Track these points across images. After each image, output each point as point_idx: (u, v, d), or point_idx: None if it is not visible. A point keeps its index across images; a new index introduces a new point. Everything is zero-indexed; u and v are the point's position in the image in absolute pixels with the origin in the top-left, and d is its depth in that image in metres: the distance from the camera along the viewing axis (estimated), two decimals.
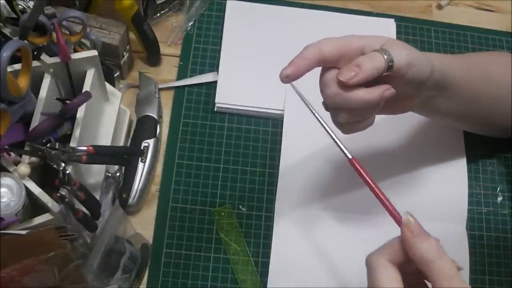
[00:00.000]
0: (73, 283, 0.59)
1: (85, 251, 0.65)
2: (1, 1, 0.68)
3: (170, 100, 0.83)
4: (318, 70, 0.58)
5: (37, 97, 0.64)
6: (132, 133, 0.80)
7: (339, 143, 0.55)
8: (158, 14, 0.89)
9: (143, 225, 0.74)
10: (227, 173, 0.78)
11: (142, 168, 0.76)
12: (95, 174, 0.73)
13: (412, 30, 0.92)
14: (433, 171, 0.80)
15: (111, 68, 0.80)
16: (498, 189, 0.81)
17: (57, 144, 0.62)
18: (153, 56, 0.86)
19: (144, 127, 0.79)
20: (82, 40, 0.71)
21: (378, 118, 0.85)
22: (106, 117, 0.76)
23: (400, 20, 0.92)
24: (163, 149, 0.80)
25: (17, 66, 0.62)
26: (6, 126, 0.57)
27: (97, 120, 0.74)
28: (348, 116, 0.57)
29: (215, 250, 0.74)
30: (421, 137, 0.82)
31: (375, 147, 0.79)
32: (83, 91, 0.66)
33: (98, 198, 0.69)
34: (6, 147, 0.60)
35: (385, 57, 0.54)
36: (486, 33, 0.93)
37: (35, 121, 0.63)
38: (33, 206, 0.62)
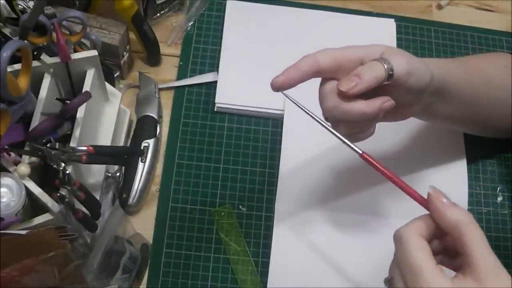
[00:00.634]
0: (73, 283, 0.59)
1: (85, 251, 0.65)
2: (1, 1, 0.68)
3: (170, 100, 0.83)
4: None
5: (37, 97, 0.64)
6: (132, 133, 0.80)
7: (346, 140, 0.55)
8: (158, 14, 0.89)
9: (143, 225, 0.74)
10: (227, 173, 0.78)
11: (142, 168, 0.76)
12: (95, 174, 0.73)
13: (412, 30, 0.92)
14: (433, 171, 0.80)
15: (111, 68, 0.80)
16: (498, 189, 0.81)
17: (57, 144, 0.62)
18: (153, 56, 0.86)
19: (144, 127, 0.79)
20: (82, 40, 0.71)
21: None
22: (106, 117, 0.76)
23: (400, 20, 0.92)
24: (163, 149, 0.80)
25: (17, 66, 0.62)
26: (6, 126, 0.57)
27: (97, 120, 0.74)
28: (348, 128, 0.57)
29: (215, 250, 0.74)
30: (421, 138, 0.82)
31: (375, 147, 0.79)
32: (83, 91, 0.66)
33: (98, 198, 0.69)
34: (6, 147, 0.60)
35: (385, 66, 0.54)
36: (486, 33, 0.93)
37: (35, 121, 0.63)
38: (33, 206, 0.62)
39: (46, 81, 0.66)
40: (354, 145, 0.54)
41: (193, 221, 0.75)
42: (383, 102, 0.55)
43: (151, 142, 0.78)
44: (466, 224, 0.47)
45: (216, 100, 0.82)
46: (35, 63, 0.64)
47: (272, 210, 0.76)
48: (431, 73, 0.59)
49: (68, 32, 0.68)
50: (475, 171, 0.81)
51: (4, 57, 0.54)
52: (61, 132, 0.66)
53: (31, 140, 0.62)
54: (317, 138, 0.80)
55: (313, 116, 0.55)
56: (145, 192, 0.76)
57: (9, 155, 0.61)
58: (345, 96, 0.54)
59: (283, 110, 0.82)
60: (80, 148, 0.63)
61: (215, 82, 0.84)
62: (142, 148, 0.78)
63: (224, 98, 0.82)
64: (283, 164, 0.78)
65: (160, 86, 0.84)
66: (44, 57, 0.66)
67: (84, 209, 0.64)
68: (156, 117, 0.80)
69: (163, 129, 0.81)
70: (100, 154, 0.66)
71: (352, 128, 0.57)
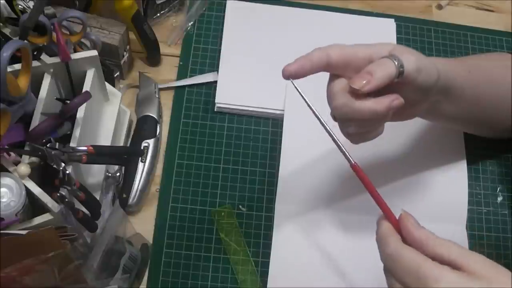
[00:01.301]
0: (73, 283, 0.59)
1: (85, 251, 0.65)
2: (1, 1, 0.68)
3: (170, 100, 0.83)
4: (323, 77, 0.58)
5: (37, 97, 0.64)
6: (132, 133, 0.80)
7: (342, 148, 0.54)
8: (158, 14, 0.89)
9: (143, 225, 0.74)
10: (227, 173, 0.78)
11: (142, 168, 0.76)
12: (95, 174, 0.73)
13: (412, 30, 0.92)
14: (434, 171, 0.80)
15: (111, 68, 0.80)
16: (498, 189, 0.81)
17: (57, 144, 0.62)
18: (153, 56, 0.86)
19: (144, 127, 0.79)
20: (82, 40, 0.71)
21: None
22: (106, 117, 0.76)
23: (400, 20, 0.92)
24: (163, 149, 0.80)
25: (17, 66, 0.62)
26: (6, 126, 0.57)
27: (97, 120, 0.74)
28: (357, 127, 0.57)
29: (215, 250, 0.74)
30: (422, 138, 0.82)
31: (375, 147, 0.79)
32: (83, 91, 0.66)
33: (98, 198, 0.69)
34: (6, 147, 0.60)
35: (396, 63, 0.54)
36: (486, 33, 0.93)
37: (35, 121, 0.63)
38: (33, 206, 0.62)
39: (46, 81, 0.66)
40: (349, 154, 0.54)
41: (193, 221, 0.75)
42: (392, 100, 0.55)
43: (151, 142, 0.78)
44: (436, 238, 0.49)
45: (216, 100, 0.82)
46: (35, 63, 0.64)
47: (272, 210, 0.76)
48: (438, 70, 0.59)
49: (68, 32, 0.68)
50: (475, 171, 0.81)
51: (4, 57, 0.54)
52: (61, 132, 0.66)
53: (31, 140, 0.62)
54: (317, 138, 0.80)
55: (316, 113, 0.55)
56: (145, 192, 0.76)
57: (9, 155, 0.61)
58: (356, 94, 0.54)
59: (283, 110, 0.82)
60: (80, 148, 0.63)
61: (215, 82, 0.84)
62: (142, 148, 0.78)
63: (224, 98, 0.82)
64: (283, 164, 0.78)
65: (160, 86, 0.84)
66: (44, 57, 0.66)
67: (84, 209, 0.64)
68: (156, 117, 0.80)
69: (163, 129, 0.81)
70: (100, 154, 0.66)
71: (362, 127, 0.57)
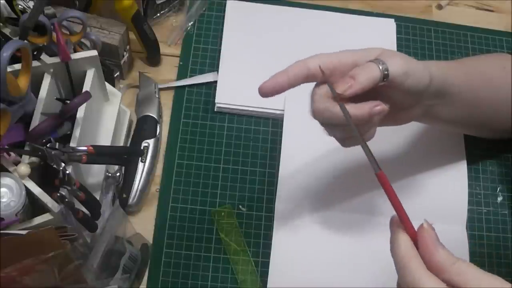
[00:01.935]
0: (73, 283, 0.59)
1: (85, 251, 0.65)
2: (1, 1, 0.68)
3: (170, 100, 0.83)
4: None
5: (37, 97, 0.64)
6: (132, 133, 0.80)
7: (369, 154, 0.52)
8: (158, 14, 0.89)
9: (143, 225, 0.74)
10: (227, 173, 0.78)
11: (142, 168, 0.76)
12: (95, 174, 0.73)
13: (412, 30, 0.92)
14: (434, 171, 0.80)
15: (111, 68, 0.80)
16: (498, 189, 0.81)
17: (57, 144, 0.62)
18: (153, 56, 0.86)
19: (144, 127, 0.79)
20: (82, 40, 0.71)
21: None
22: (106, 117, 0.76)
23: (400, 20, 0.92)
24: (163, 149, 0.80)
25: (17, 66, 0.62)
26: (6, 126, 0.57)
27: (97, 120, 0.74)
28: (342, 132, 0.57)
29: (215, 250, 0.74)
30: (422, 138, 0.82)
31: (375, 148, 0.79)
32: (83, 91, 0.66)
33: (98, 198, 0.69)
34: (6, 147, 0.60)
35: (380, 67, 0.54)
36: (486, 33, 0.93)
37: (35, 121, 0.63)
38: (33, 206, 0.62)
39: (46, 81, 0.66)
40: (376, 161, 0.51)
41: (193, 221, 0.75)
42: (373, 106, 0.54)
43: (151, 142, 0.78)
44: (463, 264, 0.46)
45: (216, 100, 0.82)
46: (35, 63, 0.64)
47: (272, 210, 0.76)
48: (430, 74, 0.58)
49: (68, 32, 0.68)
50: (475, 171, 0.81)
51: (4, 57, 0.54)
52: (61, 132, 0.66)
53: (31, 140, 0.62)
54: (317, 138, 0.80)
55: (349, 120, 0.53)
56: (145, 192, 0.76)
57: (9, 155, 0.61)
58: (340, 99, 0.53)
59: (283, 110, 0.82)
60: (80, 148, 0.63)
61: (215, 82, 0.84)
62: (142, 148, 0.78)
63: (224, 98, 0.82)
64: (283, 164, 0.78)
65: (160, 86, 0.84)
66: (44, 57, 0.66)
67: (84, 209, 0.64)
68: (156, 117, 0.80)
69: (163, 129, 0.81)
70: (100, 154, 0.66)
71: (348, 131, 0.57)
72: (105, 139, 0.74)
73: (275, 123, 0.82)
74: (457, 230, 0.77)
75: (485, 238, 0.77)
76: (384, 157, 0.79)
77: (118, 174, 0.76)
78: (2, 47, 0.55)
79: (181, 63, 0.86)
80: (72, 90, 0.71)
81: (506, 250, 0.77)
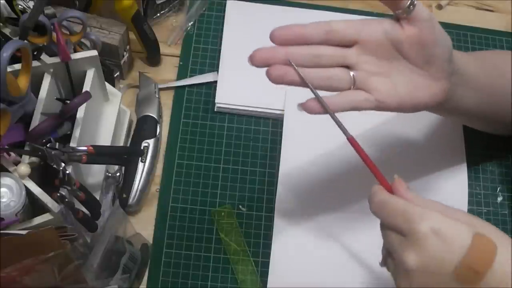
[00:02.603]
0: (73, 283, 0.59)
1: (85, 251, 0.65)
2: (1, 1, 0.68)
3: (170, 100, 0.83)
4: None
5: (37, 97, 0.64)
6: (132, 133, 0.80)
7: (338, 120, 0.55)
8: (158, 14, 0.89)
9: (143, 225, 0.74)
10: (227, 173, 0.78)
11: (142, 168, 0.76)
12: (95, 174, 0.73)
13: None
14: (433, 171, 0.80)
15: (111, 68, 0.80)
16: (498, 189, 0.81)
17: (57, 144, 0.62)
18: (153, 56, 0.86)
19: (144, 127, 0.79)
20: (82, 40, 0.71)
21: (378, 120, 0.86)
22: (106, 117, 0.76)
23: None
24: (163, 149, 0.80)
25: (17, 66, 0.62)
26: (6, 126, 0.57)
27: (97, 120, 0.74)
28: None
29: (215, 250, 0.74)
30: (422, 138, 0.82)
31: (376, 148, 0.79)
32: (83, 91, 0.66)
33: (98, 198, 0.69)
34: (6, 147, 0.60)
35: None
36: (486, 33, 0.93)
37: (35, 121, 0.63)
38: (33, 206, 0.62)
39: (46, 81, 0.66)
40: (344, 128, 0.55)
41: (193, 221, 0.75)
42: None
43: (151, 142, 0.78)
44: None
45: (216, 100, 0.82)
46: (35, 63, 0.64)
47: (272, 210, 0.76)
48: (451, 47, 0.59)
49: (68, 32, 0.68)
50: (475, 171, 0.81)
51: (4, 57, 0.54)
52: (61, 132, 0.66)
53: (31, 140, 0.62)
54: (317, 138, 0.80)
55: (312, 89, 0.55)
56: (145, 192, 0.76)
57: (9, 155, 0.61)
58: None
59: (283, 110, 0.82)
60: (80, 148, 0.63)
61: (215, 82, 0.84)
62: (142, 148, 0.78)
63: (224, 98, 0.82)
64: (283, 164, 0.78)
65: (160, 86, 0.84)
66: (44, 57, 0.66)
67: (84, 209, 0.64)
68: (156, 117, 0.80)
69: (163, 129, 0.81)
70: (100, 154, 0.66)
71: None
72: (105, 139, 0.74)
73: (275, 123, 0.82)
74: None
75: None
76: (384, 157, 0.79)
77: (118, 174, 0.76)
78: (2, 47, 0.55)
79: (181, 63, 0.86)
80: (72, 90, 0.71)
81: None
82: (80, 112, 0.66)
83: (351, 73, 0.57)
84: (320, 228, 0.75)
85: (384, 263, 0.55)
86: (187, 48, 0.87)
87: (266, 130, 0.82)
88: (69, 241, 0.58)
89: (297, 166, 0.78)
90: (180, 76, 0.85)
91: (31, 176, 0.60)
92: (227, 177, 0.78)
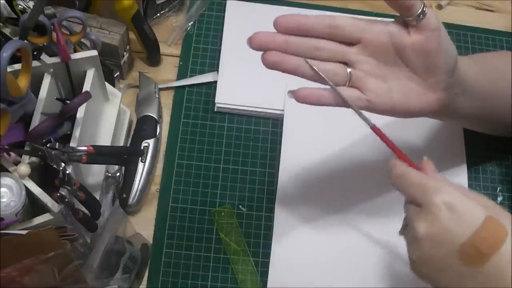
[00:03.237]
0: (73, 283, 0.59)
1: (85, 251, 0.65)
2: (1, 1, 0.68)
3: (170, 100, 0.83)
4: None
5: (37, 97, 0.64)
6: (132, 133, 0.80)
7: (358, 110, 0.55)
8: (158, 14, 0.89)
9: (143, 225, 0.74)
10: (227, 173, 0.78)
11: (142, 168, 0.76)
12: (95, 174, 0.73)
13: None
14: None
15: (111, 68, 0.80)
16: (498, 189, 0.81)
17: (57, 144, 0.62)
18: (153, 56, 0.86)
19: (144, 127, 0.79)
20: (82, 40, 0.71)
21: (379, 121, 0.85)
22: (106, 117, 0.76)
23: None
24: (163, 149, 0.80)
25: (17, 66, 0.62)
26: (6, 126, 0.57)
27: (97, 120, 0.74)
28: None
29: (215, 250, 0.74)
30: (421, 138, 0.82)
31: (375, 148, 0.79)
32: (83, 91, 0.66)
33: (98, 198, 0.69)
34: (6, 147, 0.60)
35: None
36: (486, 33, 0.93)
37: (35, 121, 0.63)
38: (33, 206, 0.62)
39: (46, 81, 0.66)
40: (365, 117, 0.55)
41: (193, 221, 0.75)
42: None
43: (151, 142, 0.78)
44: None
45: (216, 100, 0.82)
46: (35, 63, 0.64)
47: (272, 210, 0.76)
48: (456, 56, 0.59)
49: (68, 32, 0.68)
50: (475, 171, 0.81)
51: (4, 57, 0.54)
52: (61, 132, 0.66)
53: (31, 140, 0.62)
54: (317, 138, 0.80)
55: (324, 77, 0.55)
56: (145, 192, 0.76)
57: (9, 155, 0.61)
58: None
59: (283, 110, 0.82)
60: (80, 148, 0.63)
61: (215, 82, 0.84)
62: (142, 148, 0.78)
63: (224, 98, 0.82)
64: (283, 164, 0.78)
65: (160, 86, 0.84)
66: (44, 57, 0.66)
67: (84, 209, 0.64)
68: (156, 117, 0.80)
69: (163, 129, 0.81)
70: (100, 154, 0.66)
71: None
72: (105, 139, 0.74)
73: (275, 123, 0.82)
74: None
75: None
76: (384, 158, 0.79)
77: (118, 174, 0.76)
78: (2, 47, 0.55)
79: (181, 63, 0.86)
80: (72, 90, 0.71)
81: None
82: (80, 112, 0.66)
83: (348, 70, 0.56)
84: (320, 228, 0.75)
85: (402, 232, 0.57)
86: (187, 48, 0.87)
87: (266, 130, 0.82)
88: (69, 241, 0.58)
89: (297, 166, 0.78)
90: (180, 76, 0.85)
91: (31, 176, 0.60)
92: (227, 177, 0.78)
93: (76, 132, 0.65)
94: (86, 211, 0.64)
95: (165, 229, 0.74)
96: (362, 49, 0.56)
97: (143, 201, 0.76)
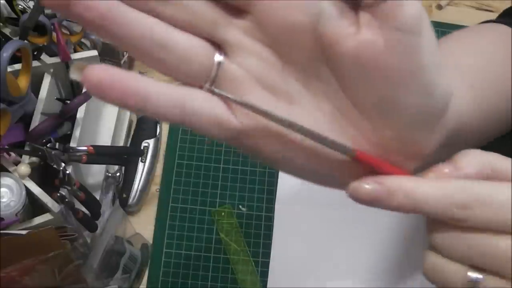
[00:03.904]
0: (73, 283, 0.59)
1: (85, 251, 0.65)
2: (1, 1, 0.68)
3: None
4: None
5: (37, 97, 0.64)
6: (132, 133, 0.80)
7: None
8: None
9: (143, 225, 0.74)
10: (227, 173, 0.78)
11: (142, 168, 0.76)
12: (95, 174, 0.73)
13: None
14: None
15: None
16: None
17: (57, 144, 0.62)
18: None
19: (144, 127, 0.79)
20: (82, 40, 0.71)
21: None
22: (106, 117, 0.76)
23: None
24: (163, 149, 0.80)
25: (17, 66, 0.62)
26: (6, 126, 0.57)
27: (97, 120, 0.74)
28: None
29: (215, 250, 0.74)
30: None
31: None
32: (83, 91, 0.66)
33: (98, 198, 0.69)
34: (6, 147, 0.60)
35: None
36: None
37: (35, 121, 0.63)
38: (33, 206, 0.62)
39: (46, 81, 0.66)
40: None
41: (193, 221, 0.75)
42: None
43: (151, 142, 0.78)
44: None
45: None
46: (35, 63, 0.64)
47: (272, 210, 0.76)
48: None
49: (68, 32, 0.68)
50: None
51: (4, 57, 0.54)
52: (61, 132, 0.66)
53: (31, 140, 0.62)
54: None
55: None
56: (145, 192, 0.76)
57: (9, 155, 0.61)
58: None
59: None
60: (80, 148, 0.63)
61: None
62: (142, 148, 0.78)
63: None
64: None
65: None
66: (44, 57, 0.66)
67: (84, 209, 0.64)
68: None
69: (163, 129, 0.81)
70: (100, 154, 0.66)
71: None
72: (105, 139, 0.74)
73: None
74: None
75: None
76: None
77: (118, 174, 0.76)
78: (2, 47, 0.55)
79: None
80: (72, 90, 0.71)
81: None
82: (80, 112, 0.66)
83: (218, 59, 0.28)
84: (320, 227, 0.75)
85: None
86: None
87: None
88: (69, 241, 0.58)
89: None
90: None
91: (31, 176, 0.60)
92: (227, 177, 0.78)
93: (76, 132, 0.65)
94: (86, 211, 0.64)
95: (165, 229, 0.74)
96: (255, 28, 0.28)
97: (143, 201, 0.76)
